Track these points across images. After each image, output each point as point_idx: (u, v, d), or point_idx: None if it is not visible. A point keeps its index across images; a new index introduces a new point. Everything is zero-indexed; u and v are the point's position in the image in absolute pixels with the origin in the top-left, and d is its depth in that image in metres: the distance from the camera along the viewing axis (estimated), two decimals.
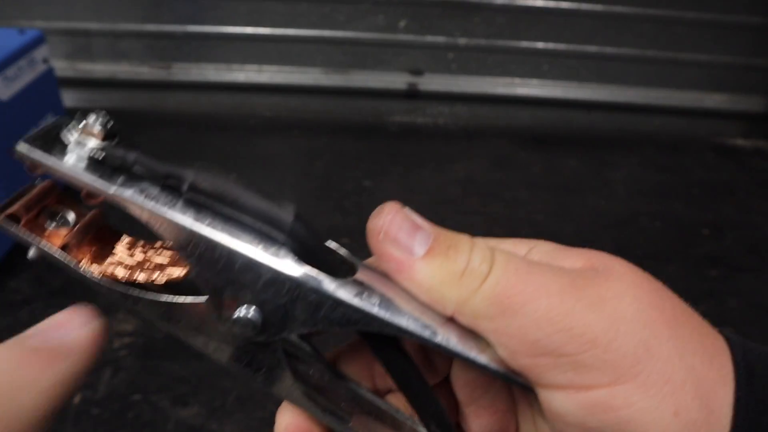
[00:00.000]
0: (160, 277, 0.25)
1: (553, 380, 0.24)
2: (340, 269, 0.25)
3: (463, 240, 0.26)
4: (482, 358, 0.25)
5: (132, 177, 0.24)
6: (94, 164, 0.23)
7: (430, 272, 0.25)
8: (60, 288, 1.10)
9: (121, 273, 0.25)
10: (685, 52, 1.73)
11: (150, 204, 0.23)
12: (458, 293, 0.25)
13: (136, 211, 0.23)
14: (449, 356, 0.26)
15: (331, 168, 1.50)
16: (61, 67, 1.67)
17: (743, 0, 1.65)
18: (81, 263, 0.26)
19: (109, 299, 0.25)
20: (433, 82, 1.75)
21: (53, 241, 0.26)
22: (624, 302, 0.24)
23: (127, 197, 0.23)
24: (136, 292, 0.25)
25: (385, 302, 0.24)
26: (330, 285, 0.24)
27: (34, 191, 0.26)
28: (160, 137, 1.62)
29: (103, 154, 0.24)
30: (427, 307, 0.25)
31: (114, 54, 1.71)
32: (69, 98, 1.66)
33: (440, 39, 1.70)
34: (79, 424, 0.87)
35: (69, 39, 1.68)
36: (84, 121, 0.24)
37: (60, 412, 0.90)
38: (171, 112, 1.75)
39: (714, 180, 1.59)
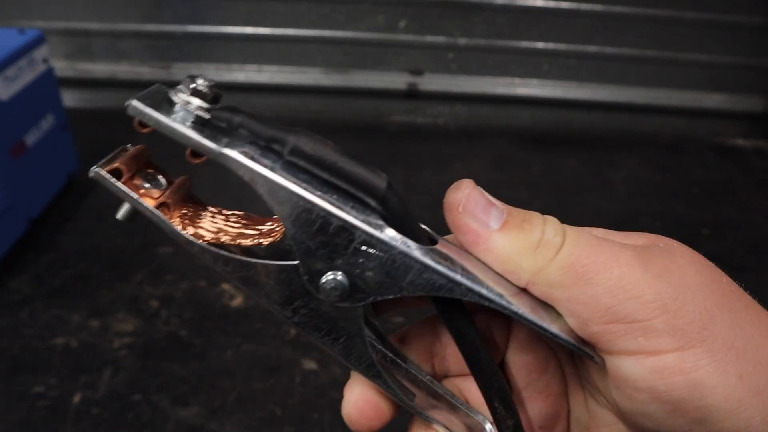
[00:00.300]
0: (247, 242, 0.26)
1: (624, 346, 0.25)
2: (423, 240, 0.26)
3: (535, 215, 0.27)
4: (553, 327, 0.26)
5: (236, 138, 0.24)
6: (201, 124, 0.24)
7: (507, 243, 0.26)
8: (60, 288, 1.10)
9: (209, 236, 0.26)
10: (685, 52, 1.73)
11: (253, 164, 0.24)
12: (534, 263, 0.26)
13: (239, 171, 0.24)
14: (523, 323, 0.27)
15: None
16: (61, 67, 1.67)
17: (743, 0, 1.65)
18: (174, 223, 0.27)
19: (200, 259, 0.26)
20: (433, 82, 1.75)
21: (148, 200, 0.27)
22: (688, 274, 0.26)
23: (232, 157, 0.24)
24: (225, 254, 0.26)
25: (466, 271, 0.26)
26: (418, 251, 0.25)
27: (130, 152, 0.26)
28: (160, 137, 1.62)
29: (209, 115, 0.24)
30: (501, 278, 0.26)
31: (114, 54, 1.71)
32: (69, 98, 1.66)
33: (440, 39, 1.70)
34: (79, 423, 0.87)
35: (69, 39, 1.68)
36: (192, 84, 0.24)
37: (60, 411, 0.90)
38: None
39: (714, 180, 1.59)
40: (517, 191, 1.46)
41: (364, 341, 0.28)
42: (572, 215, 1.40)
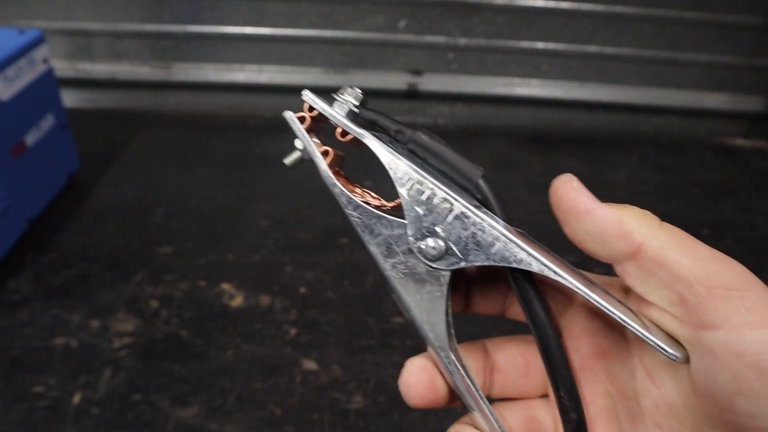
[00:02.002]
0: (378, 203, 0.33)
1: (730, 316, 0.26)
2: (508, 221, 0.31)
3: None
4: (627, 315, 0.29)
5: (373, 128, 0.33)
6: (352, 115, 0.33)
7: (617, 211, 0.29)
8: (60, 288, 1.10)
9: (357, 192, 0.33)
10: (685, 52, 1.73)
11: (383, 146, 0.31)
12: (646, 226, 0.28)
13: (373, 149, 0.32)
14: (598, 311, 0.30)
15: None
16: (61, 67, 1.67)
17: (744, 0, 1.65)
18: (329, 168, 0.33)
19: (337, 200, 0.33)
20: (433, 82, 1.75)
21: (317, 146, 0.34)
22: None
23: (368, 137, 0.32)
24: (357, 199, 0.32)
25: (545, 252, 0.30)
26: (504, 226, 0.30)
27: (311, 114, 0.33)
28: (160, 137, 1.62)
29: (357, 110, 0.33)
30: (610, 243, 0.29)
31: (114, 54, 1.71)
32: (69, 98, 1.66)
33: (440, 39, 1.70)
34: (79, 423, 0.87)
35: (69, 39, 1.68)
36: (349, 88, 0.33)
37: (59, 411, 0.90)
38: (171, 112, 1.75)
39: (714, 180, 1.59)
40: (517, 191, 1.46)
41: (443, 309, 0.32)
42: None
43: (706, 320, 0.27)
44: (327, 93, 0.35)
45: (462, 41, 1.71)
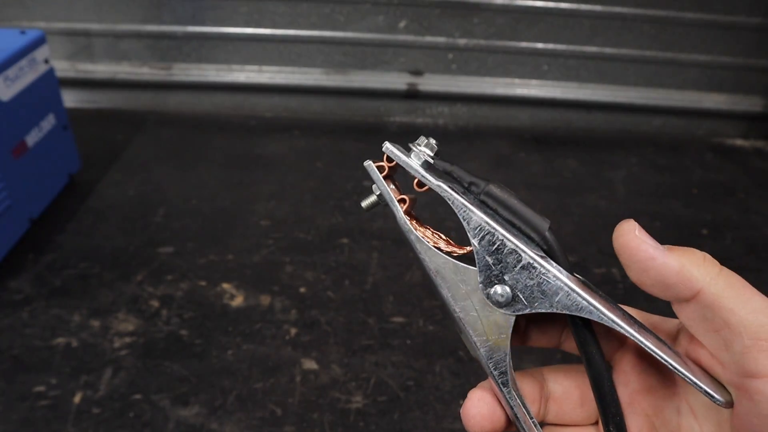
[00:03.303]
0: (449, 249, 0.35)
1: None
2: (572, 272, 0.33)
3: (692, 248, 0.32)
4: (673, 360, 0.31)
5: (448, 179, 0.35)
6: (427, 165, 0.34)
7: (679, 258, 0.30)
8: (61, 288, 1.10)
9: (420, 232, 0.35)
10: (685, 52, 1.73)
11: (458, 197, 0.33)
12: (705, 273, 0.30)
13: (448, 199, 0.33)
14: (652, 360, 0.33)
15: (331, 168, 1.51)
16: (62, 68, 1.68)
17: (743, 0, 1.65)
18: (403, 214, 0.35)
19: (410, 245, 0.35)
20: (433, 83, 1.76)
21: (394, 193, 0.35)
22: None
23: (444, 189, 0.33)
24: (431, 245, 0.34)
25: (604, 301, 0.32)
26: (567, 278, 0.32)
27: (390, 164, 0.35)
28: (160, 137, 1.62)
29: (433, 161, 0.34)
30: (671, 288, 0.30)
31: (114, 54, 1.72)
32: (69, 98, 1.66)
33: (440, 39, 1.70)
34: (79, 423, 0.87)
35: (70, 39, 1.69)
36: (425, 140, 0.35)
37: (60, 411, 0.90)
38: (171, 112, 1.76)
39: (714, 180, 1.59)
40: (517, 191, 1.45)
41: (507, 350, 0.34)
42: (572, 215, 1.41)
43: (748, 369, 0.28)
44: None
45: (462, 41, 1.71)
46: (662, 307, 0.33)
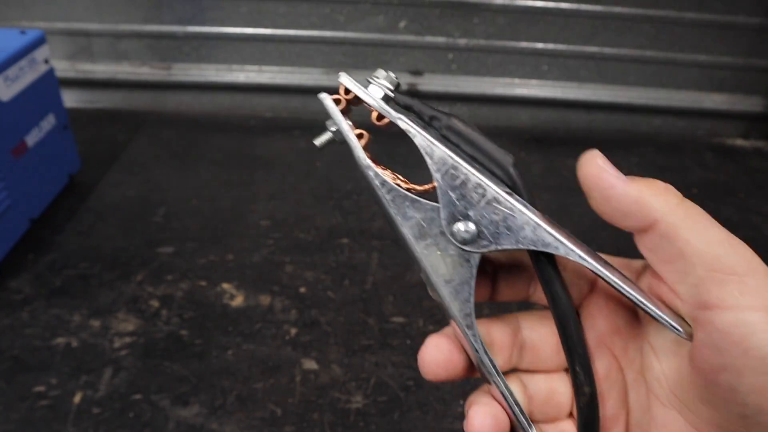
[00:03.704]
0: (411, 187, 0.34)
1: (723, 298, 0.28)
2: (537, 206, 0.33)
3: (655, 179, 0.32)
4: (638, 294, 0.31)
5: (409, 113, 0.33)
6: (387, 98, 0.33)
7: (638, 187, 0.30)
8: (61, 288, 1.10)
9: (388, 175, 0.34)
10: (685, 52, 1.73)
11: (420, 130, 0.32)
12: (664, 202, 0.30)
13: (409, 132, 0.33)
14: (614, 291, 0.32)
15: (331, 168, 1.51)
16: (62, 68, 1.68)
17: (743, 0, 1.65)
18: (363, 149, 0.34)
19: (370, 183, 0.34)
20: (433, 83, 1.76)
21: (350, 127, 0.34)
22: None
23: (406, 121, 0.33)
24: (390, 182, 0.33)
25: (570, 237, 0.32)
26: (533, 212, 0.32)
27: (347, 96, 0.33)
28: (160, 137, 1.62)
29: (393, 94, 0.33)
30: (629, 217, 0.31)
31: (114, 54, 1.72)
32: (70, 98, 1.66)
33: (440, 39, 1.70)
34: (79, 423, 0.87)
35: (70, 39, 1.69)
36: (384, 73, 0.33)
37: (60, 411, 0.90)
38: (171, 112, 1.76)
39: (714, 180, 1.59)
40: None
41: (470, 291, 0.33)
42: (572, 215, 1.40)
43: (702, 300, 0.29)
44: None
45: (462, 41, 1.71)
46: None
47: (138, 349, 1.00)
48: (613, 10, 1.66)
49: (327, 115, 0.34)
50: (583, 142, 1.74)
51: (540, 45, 1.71)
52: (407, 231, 0.33)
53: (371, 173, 0.33)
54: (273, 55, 1.72)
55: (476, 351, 0.33)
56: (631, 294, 0.31)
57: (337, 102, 0.34)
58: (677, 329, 0.30)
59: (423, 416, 0.92)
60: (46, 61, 1.25)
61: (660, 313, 0.30)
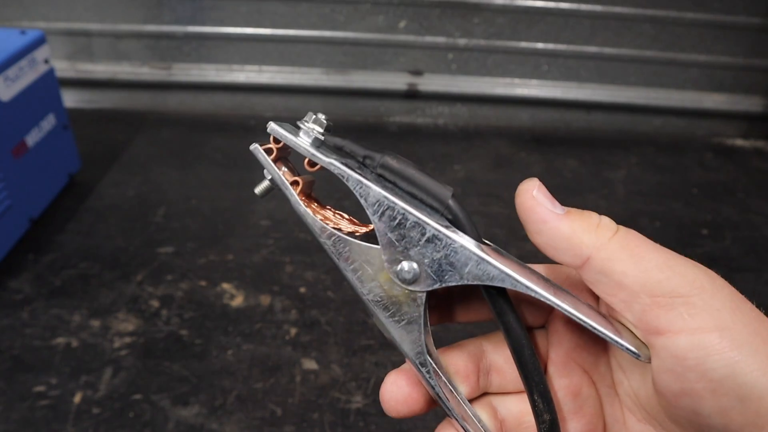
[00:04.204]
0: (346, 229, 0.33)
1: (672, 322, 0.28)
2: (480, 240, 0.32)
3: (592, 212, 0.32)
4: (593, 321, 0.30)
5: (341, 155, 0.33)
6: (318, 143, 0.32)
7: (571, 223, 0.30)
8: (61, 288, 1.10)
9: (319, 215, 0.33)
10: (685, 52, 1.73)
11: (353, 173, 0.31)
12: (595, 239, 0.30)
13: (341, 176, 0.32)
14: (566, 316, 0.32)
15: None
16: (62, 68, 1.68)
17: (743, 0, 1.65)
18: (299, 198, 0.34)
19: (311, 229, 0.34)
20: (433, 83, 1.76)
21: (286, 176, 0.34)
22: (712, 273, 0.29)
23: (337, 166, 0.32)
24: (331, 228, 0.33)
25: (514, 267, 0.31)
26: (476, 247, 0.31)
27: (278, 146, 0.33)
28: (160, 137, 1.62)
29: (323, 138, 0.33)
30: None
31: (114, 54, 1.72)
32: (70, 98, 1.67)
33: (440, 39, 1.70)
34: (79, 423, 0.87)
35: (70, 39, 1.69)
36: (314, 116, 0.33)
37: (60, 410, 0.90)
38: (171, 112, 1.76)
39: (713, 180, 1.59)
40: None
41: (421, 329, 0.33)
42: None
43: (652, 327, 0.28)
44: (293, 120, 0.34)
45: (462, 41, 1.71)
46: None
47: (138, 349, 1.00)
48: (613, 10, 1.66)
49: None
50: (583, 142, 1.74)
51: (540, 45, 1.71)
52: (351, 275, 0.33)
53: (309, 220, 0.33)
54: (273, 55, 1.72)
55: (432, 387, 0.33)
56: (584, 321, 0.30)
57: (269, 152, 0.33)
58: (635, 353, 0.29)
59: (423, 416, 0.91)
60: (46, 61, 1.25)
61: (616, 338, 0.30)
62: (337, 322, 1.07)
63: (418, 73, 1.76)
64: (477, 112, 1.81)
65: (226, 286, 1.13)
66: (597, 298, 0.33)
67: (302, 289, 1.13)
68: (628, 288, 0.29)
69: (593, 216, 0.31)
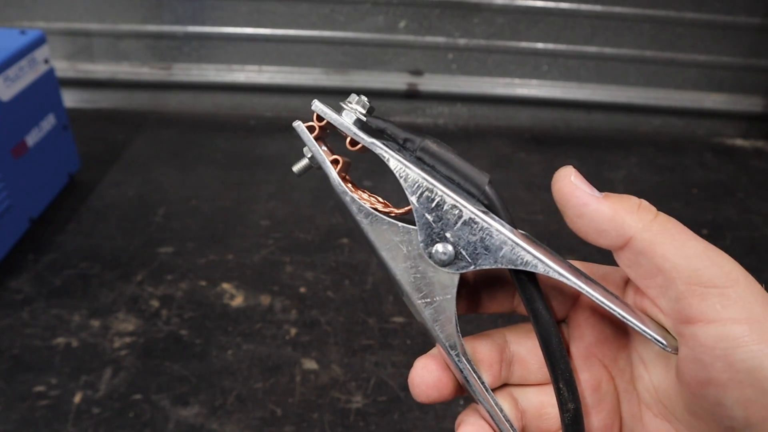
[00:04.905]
0: (386, 209, 0.34)
1: (704, 311, 0.28)
2: (514, 225, 0.33)
3: (629, 195, 0.32)
4: (619, 308, 0.31)
5: (382, 136, 0.33)
6: (360, 123, 0.33)
7: (612, 204, 0.30)
8: (61, 288, 1.10)
9: (356, 194, 0.33)
10: (685, 52, 1.73)
11: (393, 153, 0.32)
12: (638, 219, 0.30)
13: (383, 157, 0.32)
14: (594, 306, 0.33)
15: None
16: (62, 68, 1.68)
17: (743, 0, 1.65)
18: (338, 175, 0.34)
19: (347, 208, 0.33)
20: (433, 83, 1.76)
21: (326, 154, 0.34)
22: (743, 268, 0.30)
23: (379, 146, 0.32)
24: (368, 206, 0.33)
25: (549, 254, 0.32)
26: (511, 231, 0.31)
27: (320, 124, 0.34)
28: (160, 137, 1.62)
29: (365, 118, 0.33)
30: (604, 234, 0.31)
31: (114, 54, 1.72)
32: (70, 98, 1.67)
33: (440, 39, 1.70)
34: (79, 423, 0.87)
35: (70, 39, 1.69)
36: (357, 97, 0.33)
37: (60, 410, 0.90)
38: (171, 112, 1.76)
39: (713, 180, 1.59)
40: (517, 191, 1.46)
41: (452, 311, 0.33)
42: None
43: (684, 315, 0.28)
44: (334, 100, 0.35)
45: (462, 41, 1.71)
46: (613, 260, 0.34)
47: (138, 349, 1.00)
48: (613, 10, 1.66)
49: (303, 143, 0.34)
50: (583, 142, 1.74)
51: (540, 45, 1.71)
52: (386, 254, 0.33)
53: (347, 198, 0.33)
54: (273, 55, 1.72)
55: (461, 371, 0.33)
56: (613, 309, 0.30)
57: (311, 129, 0.34)
58: (662, 343, 0.30)
59: (423, 416, 0.92)
60: (46, 61, 1.25)
61: (644, 328, 0.30)
62: (337, 322, 1.07)
63: (418, 73, 1.76)
64: (477, 112, 1.81)
65: (226, 286, 1.13)
66: (622, 292, 0.34)
67: (302, 289, 1.13)
68: (666, 272, 0.29)
69: (633, 198, 0.31)
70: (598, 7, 1.66)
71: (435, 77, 1.76)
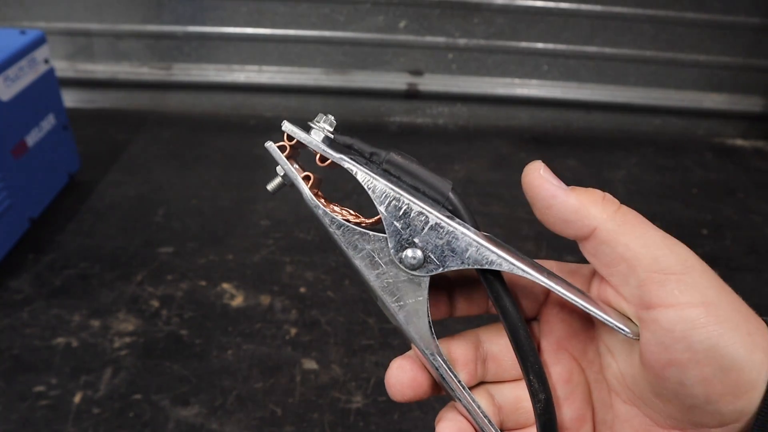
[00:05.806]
0: (357, 220, 0.35)
1: (663, 297, 0.30)
2: (478, 228, 0.35)
3: (593, 188, 0.34)
4: (585, 301, 0.33)
5: (350, 152, 0.35)
6: (328, 140, 0.35)
7: (578, 196, 0.32)
8: (61, 288, 1.10)
9: (337, 212, 0.35)
10: (685, 52, 1.73)
11: (360, 167, 0.34)
12: (602, 210, 0.32)
13: (351, 170, 0.34)
14: (561, 300, 0.35)
15: (332, 168, 1.50)
16: (62, 68, 1.68)
17: (743, 0, 1.66)
18: (310, 191, 0.36)
19: (320, 221, 0.35)
20: (433, 83, 1.76)
21: (298, 171, 0.36)
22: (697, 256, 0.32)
23: (347, 160, 0.34)
24: (340, 219, 0.35)
25: (512, 253, 0.34)
26: (475, 233, 0.34)
27: (291, 143, 0.36)
28: (160, 137, 1.62)
29: (333, 136, 0.35)
30: (570, 225, 0.32)
31: (115, 54, 1.72)
32: (70, 98, 1.67)
33: (440, 39, 1.70)
34: (79, 423, 0.87)
35: (70, 39, 1.69)
36: (323, 117, 0.35)
37: (60, 410, 0.90)
38: (171, 112, 1.76)
39: (713, 180, 1.59)
40: (517, 191, 1.46)
41: (425, 312, 0.35)
42: None
43: (645, 300, 0.30)
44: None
45: (462, 41, 1.71)
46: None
47: (138, 349, 1.00)
48: (613, 10, 1.66)
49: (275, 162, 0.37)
50: (583, 142, 1.74)
51: (540, 45, 1.71)
52: (359, 262, 0.35)
53: (320, 212, 0.35)
54: (273, 55, 1.72)
55: (437, 369, 0.35)
56: (576, 301, 0.33)
57: (282, 149, 0.36)
58: (624, 330, 0.32)
59: (423, 416, 0.92)
60: (46, 61, 1.25)
61: (606, 317, 0.32)
62: (337, 322, 1.07)
63: (418, 73, 1.76)
64: (477, 112, 1.81)
65: (226, 286, 1.13)
66: (587, 286, 0.36)
67: (302, 289, 1.13)
68: (628, 261, 0.31)
69: (597, 191, 0.33)
70: (598, 7, 1.66)
71: (435, 77, 1.76)
